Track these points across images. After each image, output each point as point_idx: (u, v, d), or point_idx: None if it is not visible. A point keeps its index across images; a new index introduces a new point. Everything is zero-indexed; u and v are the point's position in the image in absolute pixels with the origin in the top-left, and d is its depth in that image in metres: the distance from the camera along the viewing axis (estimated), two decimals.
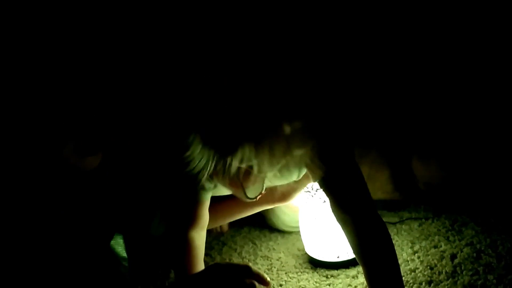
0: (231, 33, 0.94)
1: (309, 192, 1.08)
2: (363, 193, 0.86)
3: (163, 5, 0.98)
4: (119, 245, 0.86)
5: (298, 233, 1.16)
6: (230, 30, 0.95)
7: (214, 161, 0.74)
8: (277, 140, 0.74)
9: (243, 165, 0.75)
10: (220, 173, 0.76)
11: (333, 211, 0.88)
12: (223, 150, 0.73)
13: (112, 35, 0.90)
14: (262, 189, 0.86)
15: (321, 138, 0.81)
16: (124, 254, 0.87)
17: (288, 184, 0.98)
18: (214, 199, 1.03)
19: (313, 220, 1.08)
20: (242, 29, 0.96)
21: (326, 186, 0.87)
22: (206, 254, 1.19)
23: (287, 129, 0.75)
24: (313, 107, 0.83)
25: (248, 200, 0.85)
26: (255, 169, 0.76)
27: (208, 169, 0.74)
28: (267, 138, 0.73)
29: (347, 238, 0.88)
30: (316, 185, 1.06)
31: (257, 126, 0.73)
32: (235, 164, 0.74)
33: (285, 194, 1.10)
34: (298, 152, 0.77)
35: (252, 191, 0.83)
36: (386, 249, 0.83)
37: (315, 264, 1.10)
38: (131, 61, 0.88)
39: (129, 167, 0.98)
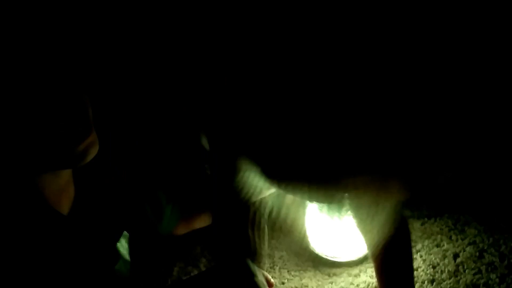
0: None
1: None
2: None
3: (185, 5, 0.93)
4: (124, 248, 0.86)
5: (300, 231, 1.16)
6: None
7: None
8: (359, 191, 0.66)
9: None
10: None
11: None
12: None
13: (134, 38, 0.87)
14: None
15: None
16: (127, 257, 0.86)
17: None
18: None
19: (319, 216, 1.07)
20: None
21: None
22: (208, 254, 1.19)
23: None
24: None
25: None
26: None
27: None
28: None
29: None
30: None
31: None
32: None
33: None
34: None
35: None
36: (405, 251, 0.81)
37: (318, 262, 1.10)
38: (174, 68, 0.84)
39: (137, 162, 0.97)
